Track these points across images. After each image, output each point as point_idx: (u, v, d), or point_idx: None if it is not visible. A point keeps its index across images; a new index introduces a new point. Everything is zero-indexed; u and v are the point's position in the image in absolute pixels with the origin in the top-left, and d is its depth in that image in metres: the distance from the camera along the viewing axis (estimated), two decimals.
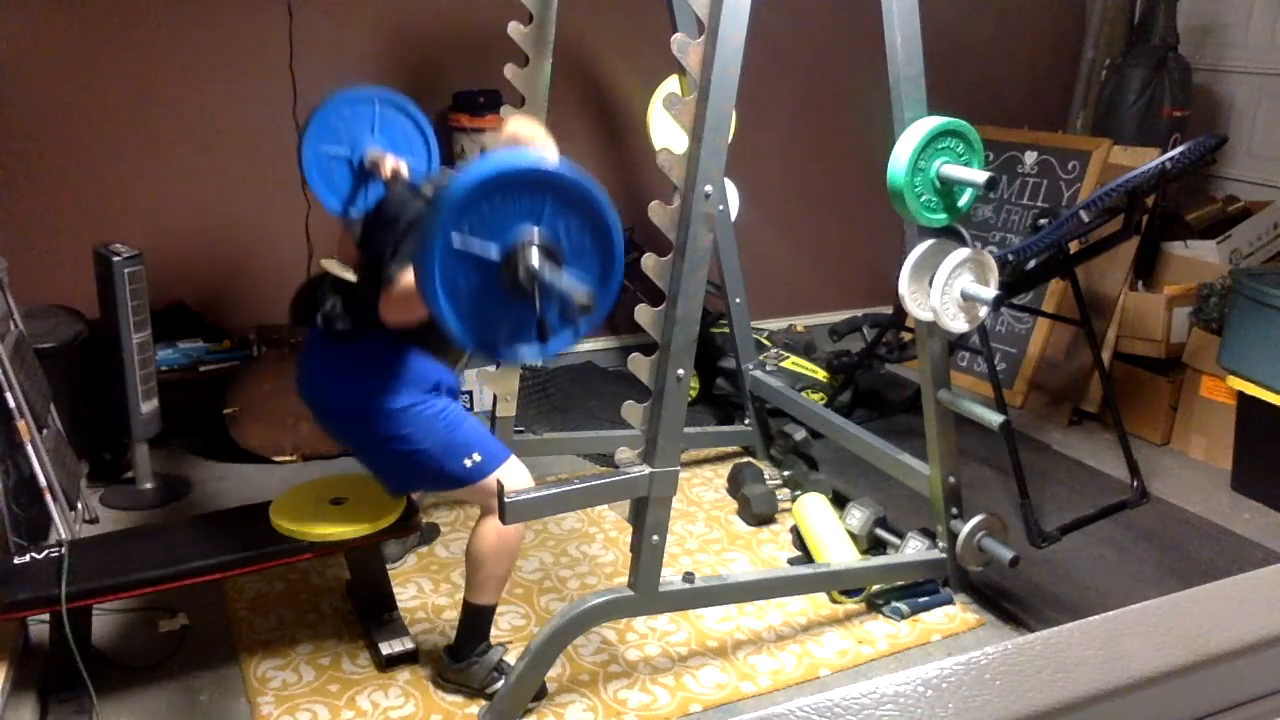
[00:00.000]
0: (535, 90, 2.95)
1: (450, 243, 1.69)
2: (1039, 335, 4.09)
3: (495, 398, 3.15)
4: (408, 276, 1.97)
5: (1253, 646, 0.61)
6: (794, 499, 3.10)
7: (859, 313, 4.23)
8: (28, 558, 2.22)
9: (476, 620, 2.33)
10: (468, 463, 2.19)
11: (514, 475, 2.22)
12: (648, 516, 2.22)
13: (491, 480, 2.19)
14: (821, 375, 3.85)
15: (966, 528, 2.62)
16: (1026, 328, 4.14)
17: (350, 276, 2.38)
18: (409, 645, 2.45)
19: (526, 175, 1.73)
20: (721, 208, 3.28)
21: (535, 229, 1.74)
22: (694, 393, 3.95)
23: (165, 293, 3.53)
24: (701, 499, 3.33)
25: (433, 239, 1.68)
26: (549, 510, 2.45)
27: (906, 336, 3.85)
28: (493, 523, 2.22)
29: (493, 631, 2.40)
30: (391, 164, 2.60)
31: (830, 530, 2.87)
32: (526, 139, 2.34)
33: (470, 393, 3.78)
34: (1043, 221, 3.14)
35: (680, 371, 2.18)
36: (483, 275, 1.74)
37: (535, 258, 1.72)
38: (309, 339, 2.33)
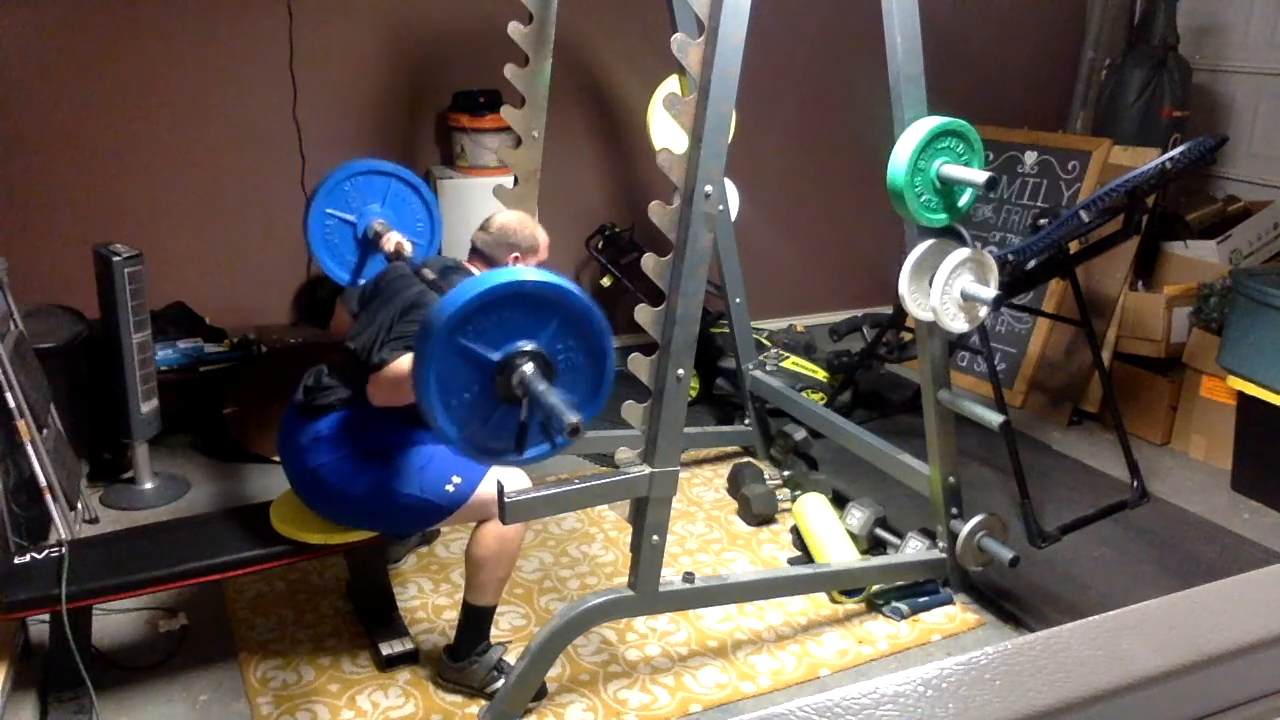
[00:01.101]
0: (535, 90, 2.95)
1: (454, 344, 1.75)
2: (1039, 335, 4.09)
3: None
4: (400, 363, 2.03)
5: (1253, 646, 0.61)
6: (794, 499, 3.09)
7: (859, 313, 4.23)
8: (28, 558, 2.22)
9: (476, 621, 2.34)
10: (449, 488, 2.21)
11: (504, 477, 2.23)
12: (648, 516, 2.22)
13: (479, 495, 2.22)
14: (821, 375, 3.85)
15: (966, 528, 2.62)
16: (1026, 328, 4.14)
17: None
18: (409, 645, 2.45)
19: (541, 294, 1.80)
20: (721, 208, 3.28)
21: (535, 344, 1.80)
22: (694, 393, 3.95)
23: (165, 293, 3.54)
24: (701, 499, 3.33)
25: (433, 341, 1.74)
26: (549, 510, 2.45)
27: (906, 336, 3.85)
28: (492, 526, 2.23)
29: (493, 631, 2.40)
30: (395, 240, 2.64)
31: (830, 530, 2.87)
32: (517, 234, 2.39)
33: None
34: (1043, 221, 3.14)
35: (680, 371, 2.18)
36: (477, 377, 1.79)
37: (530, 370, 1.78)
38: (288, 412, 2.34)
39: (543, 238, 2.45)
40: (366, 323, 2.25)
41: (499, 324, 1.77)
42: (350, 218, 2.77)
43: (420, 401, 1.78)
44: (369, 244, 2.77)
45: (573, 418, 1.72)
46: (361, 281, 2.76)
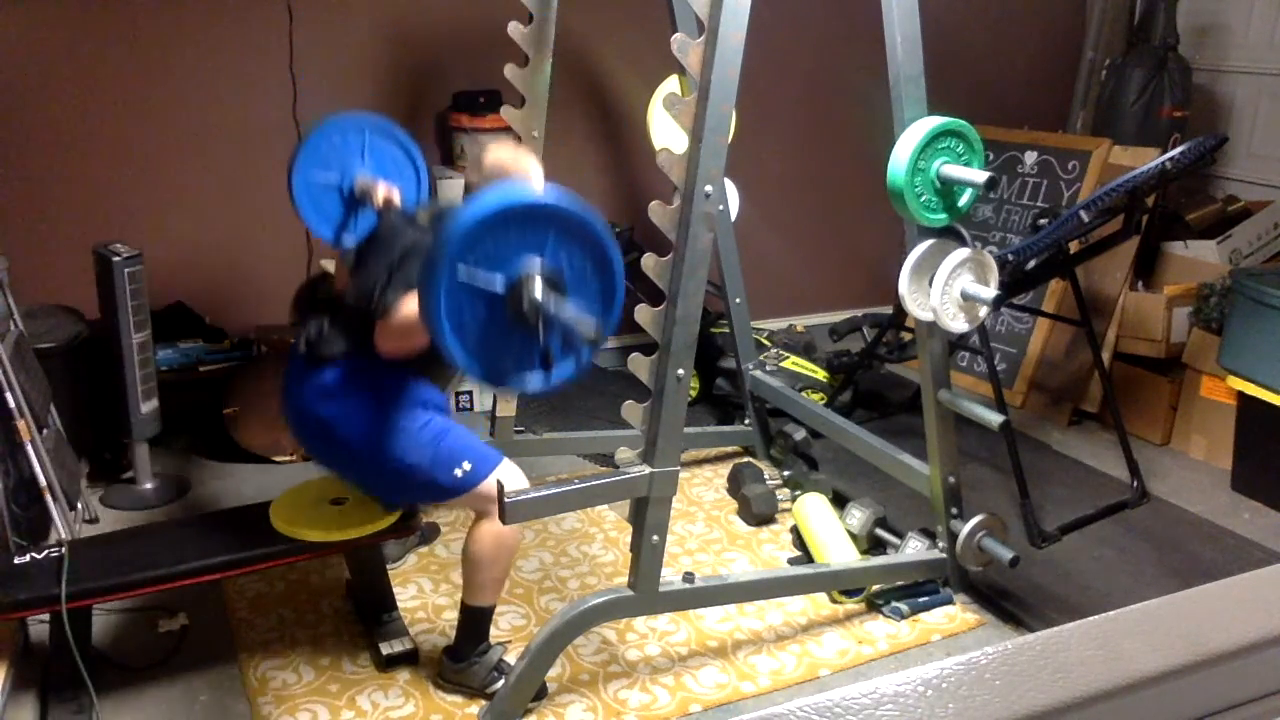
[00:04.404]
0: (535, 90, 2.95)
1: (456, 276, 1.71)
2: (1039, 335, 4.09)
3: (495, 398, 3.15)
4: (407, 306, 1.99)
5: (1253, 646, 0.61)
6: (794, 499, 3.10)
7: (859, 313, 4.22)
8: (28, 558, 2.22)
9: (476, 621, 2.33)
10: (458, 472, 2.19)
11: (508, 477, 2.21)
12: (648, 516, 2.22)
13: (484, 486, 2.20)
14: (821, 375, 3.85)
15: (966, 528, 2.62)
16: (1026, 328, 4.14)
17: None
18: (409, 645, 2.45)
19: (531, 210, 1.77)
20: (721, 208, 3.28)
21: (539, 260, 1.77)
22: (694, 393, 3.95)
23: (165, 293, 3.53)
24: (701, 499, 3.33)
25: (438, 273, 1.71)
26: (549, 510, 2.45)
27: (906, 336, 3.85)
28: (489, 525, 2.22)
29: (493, 631, 2.40)
30: (384, 191, 2.60)
31: (830, 530, 2.87)
32: (512, 168, 2.34)
33: (470, 393, 3.78)
34: (1043, 221, 3.14)
35: (680, 371, 2.18)
36: (487, 306, 1.76)
37: (539, 289, 1.75)
38: (291, 363, 2.32)
39: (535, 168, 2.39)
40: (365, 274, 2.21)
41: (497, 247, 1.73)
42: (333, 178, 2.70)
43: (436, 339, 1.74)
44: (356, 201, 2.71)
45: (591, 325, 1.69)
46: (350, 240, 2.71)
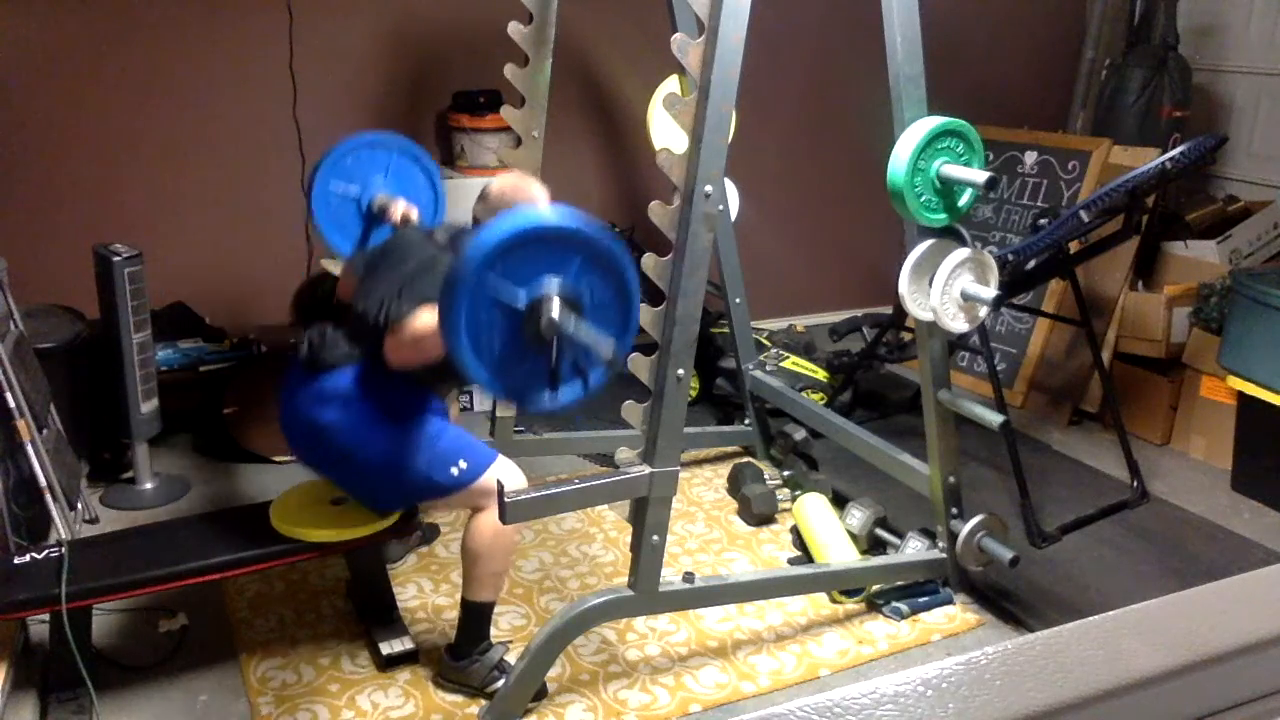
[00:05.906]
0: (535, 90, 2.95)
1: (482, 287, 1.75)
2: (1039, 335, 4.09)
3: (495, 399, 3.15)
4: (421, 318, 2.01)
5: (1253, 646, 0.62)
6: (794, 499, 3.09)
7: (859, 313, 4.22)
8: (28, 558, 2.22)
9: (476, 618, 2.33)
10: (454, 470, 2.20)
11: (505, 474, 2.21)
12: (648, 516, 2.22)
13: (480, 483, 2.21)
14: (821, 375, 3.85)
15: (966, 528, 2.62)
16: (1026, 328, 4.14)
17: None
18: (409, 645, 2.45)
19: (559, 232, 1.81)
20: (721, 208, 3.28)
21: (559, 282, 1.81)
22: (694, 393, 3.95)
23: (165, 293, 3.53)
24: (701, 499, 3.33)
25: (463, 283, 1.74)
26: (549, 510, 2.45)
27: (906, 336, 3.85)
28: (487, 517, 2.22)
29: (493, 631, 2.40)
30: (403, 208, 2.65)
31: (830, 530, 2.87)
32: (519, 194, 2.34)
33: (470, 393, 3.78)
34: (1043, 221, 3.14)
35: (680, 371, 2.18)
36: (506, 322, 1.80)
37: (558, 310, 1.79)
38: (289, 373, 2.31)
39: (540, 193, 2.39)
40: (375, 284, 2.21)
41: (521, 265, 1.78)
42: (354, 191, 2.75)
43: (451, 348, 1.78)
44: (373, 216, 2.77)
45: (609, 346, 1.74)
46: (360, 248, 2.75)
